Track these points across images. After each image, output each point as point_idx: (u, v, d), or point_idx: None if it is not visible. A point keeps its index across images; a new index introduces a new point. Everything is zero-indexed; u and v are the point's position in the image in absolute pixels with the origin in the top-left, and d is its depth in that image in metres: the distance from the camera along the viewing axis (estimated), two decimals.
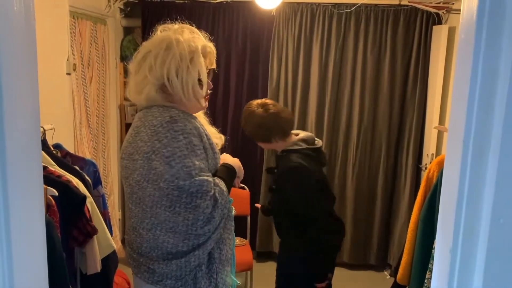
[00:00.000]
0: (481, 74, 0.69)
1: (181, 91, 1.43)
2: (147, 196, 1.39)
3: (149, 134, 1.38)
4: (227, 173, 1.53)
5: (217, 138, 1.61)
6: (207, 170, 1.43)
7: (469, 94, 0.70)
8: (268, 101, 2.16)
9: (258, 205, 2.51)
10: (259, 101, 2.16)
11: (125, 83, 3.83)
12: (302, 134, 2.21)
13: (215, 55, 1.54)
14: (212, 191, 1.40)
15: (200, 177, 1.37)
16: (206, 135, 1.47)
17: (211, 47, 1.51)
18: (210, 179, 1.41)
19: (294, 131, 2.21)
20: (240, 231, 3.54)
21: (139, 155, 1.39)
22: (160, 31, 1.51)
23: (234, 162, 1.61)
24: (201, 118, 1.60)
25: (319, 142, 2.22)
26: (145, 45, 1.50)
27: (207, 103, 1.55)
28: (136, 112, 1.55)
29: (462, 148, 0.72)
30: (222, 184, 1.45)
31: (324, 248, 2.15)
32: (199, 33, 1.52)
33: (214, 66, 1.54)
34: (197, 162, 1.38)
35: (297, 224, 2.14)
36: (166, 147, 1.36)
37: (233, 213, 1.60)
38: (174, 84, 1.42)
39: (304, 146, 2.14)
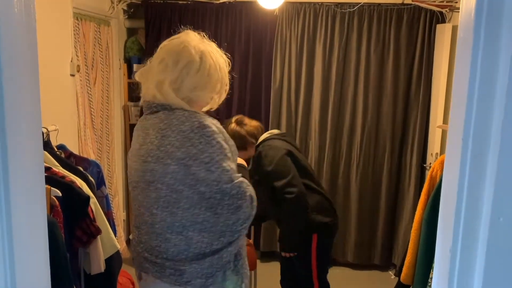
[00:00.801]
0: (480, 72, 0.69)
1: (222, 90, 1.56)
2: (184, 199, 1.40)
3: (181, 140, 1.39)
4: (245, 173, 1.60)
5: None
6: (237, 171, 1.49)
7: (468, 93, 0.70)
8: (236, 116, 2.51)
9: None
10: (232, 119, 2.50)
11: (129, 84, 3.85)
12: (266, 133, 2.52)
13: None
14: (248, 191, 1.45)
15: (238, 179, 1.43)
16: (226, 136, 1.50)
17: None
18: (244, 180, 1.46)
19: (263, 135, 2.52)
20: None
21: (172, 160, 1.38)
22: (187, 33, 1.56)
23: (243, 161, 1.68)
24: None
25: (283, 132, 2.64)
26: (197, 42, 1.52)
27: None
28: (141, 110, 1.56)
29: (462, 146, 0.72)
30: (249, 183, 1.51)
31: (314, 225, 2.37)
32: None
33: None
34: (231, 165, 1.44)
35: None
36: (203, 153, 1.38)
37: None
38: (221, 83, 1.55)
39: (270, 136, 2.47)
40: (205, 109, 1.61)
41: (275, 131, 2.56)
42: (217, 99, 1.59)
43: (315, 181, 2.48)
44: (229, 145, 1.47)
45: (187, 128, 1.40)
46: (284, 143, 2.44)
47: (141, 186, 1.48)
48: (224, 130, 1.50)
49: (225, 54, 1.59)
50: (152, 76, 1.52)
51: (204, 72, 1.48)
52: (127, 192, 4.00)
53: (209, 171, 1.38)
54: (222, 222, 1.42)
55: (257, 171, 2.41)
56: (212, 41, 1.58)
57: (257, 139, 2.47)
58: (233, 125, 2.42)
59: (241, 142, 2.35)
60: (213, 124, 1.45)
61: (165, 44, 1.57)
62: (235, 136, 2.26)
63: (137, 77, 1.60)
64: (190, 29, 1.59)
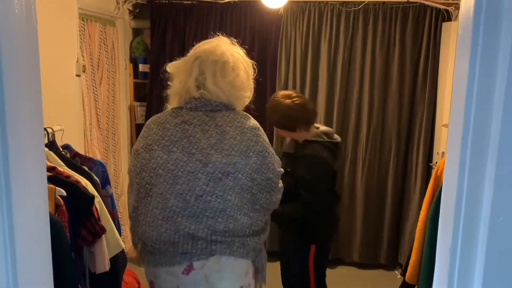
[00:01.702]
0: (479, 71, 0.68)
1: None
2: (255, 186, 1.63)
3: (255, 135, 1.64)
4: None
5: None
6: None
7: (467, 91, 0.70)
8: (293, 92, 2.29)
9: None
10: (285, 92, 2.31)
11: (135, 84, 3.87)
12: (323, 127, 2.37)
13: None
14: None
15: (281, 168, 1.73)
16: None
17: None
18: None
19: (315, 124, 2.35)
20: None
21: (254, 152, 1.62)
22: (219, 39, 1.73)
23: None
24: None
25: (338, 138, 2.38)
26: (229, 47, 1.69)
27: None
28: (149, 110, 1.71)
29: (461, 145, 0.72)
30: None
31: (314, 235, 2.33)
32: None
33: None
34: (277, 157, 1.73)
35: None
36: (270, 146, 1.69)
37: None
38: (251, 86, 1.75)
39: (326, 139, 2.30)
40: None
41: (327, 129, 2.36)
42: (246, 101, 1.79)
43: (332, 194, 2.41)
44: None
45: (254, 126, 1.67)
46: (330, 157, 2.28)
47: (204, 179, 1.57)
48: None
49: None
50: (188, 73, 1.66)
51: (239, 73, 1.67)
52: None
53: (275, 160, 1.68)
54: (275, 202, 1.72)
55: (294, 165, 2.24)
56: (242, 48, 1.75)
57: (309, 127, 2.27)
58: (289, 102, 2.21)
59: (292, 123, 2.22)
60: None
61: (200, 45, 1.71)
62: (288, 114, 2.20)
63: (169, 69, 1.73)
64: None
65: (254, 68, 1.75)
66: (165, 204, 1.56)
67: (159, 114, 1.70)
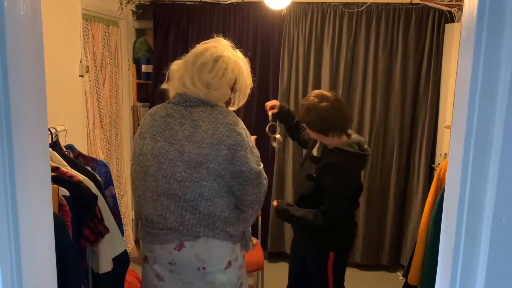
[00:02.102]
0: (482, 72, 0.69)
1: (241, 93, 1.89)
2: (228, 174, 1.75)
3: (228, 130, 1.74)
4: None
5: None
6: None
7: (470, 93, 0.70)
8: (331, 94, 2.18)
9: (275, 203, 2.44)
10: (323, 92, 2.18)
11: (137, 85, 3.88)
12: (355, 136, 2.23)
13: None
14: (264, 173, 1.84)
15: (262, 165, 1.85)
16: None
17: None
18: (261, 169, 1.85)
19: (348, 131, 2.24)
20: (251, 231, 3.55)
21: (225, 145, 1.73)
22: (216, 42, 1.89)
23: None
24: None
25: (367, 149, 2.23)
26: (215, 49, 1.83)
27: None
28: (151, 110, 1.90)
29: (464, 147, 0.72)
30: None
31: (333, 243, 2.23)
32: None
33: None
34: (257, 153, 1.84)
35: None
36: (245, 141, 1.77)
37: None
38: (240, 86, 1.87)
39: (357, 149, 2.15)
40: (231, 109, 1.92)
41: (359, 139, 2.22)
42: (237, 101, 1.92)
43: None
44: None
45: (231, 122, 1.77)
46: (359, 170, 2.21)
47: (182, 166, 1.74)
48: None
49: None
50: (181, 71, 1.84)
51: (217, 73, 1.78)
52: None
53: (250, 155, 1.77)
54: (252, 194, 1.81)
55: (320, 171, 2.15)
56: (241, 51, 1.92)
57: (342, 134, 2.17)
58: (326, 105, 2.11)
59: (326, 127, 2.11)
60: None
61: (196, 46, 1.89)
62: (324, 117, 2.10)
63: (172, 66, 1.90)
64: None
65: (248, 69, 1.92)
66: (156, 184, 1.77)
67: (154, 107, 1.90)
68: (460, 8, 3.26)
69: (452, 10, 3.36)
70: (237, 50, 1.90)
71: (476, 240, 0.72)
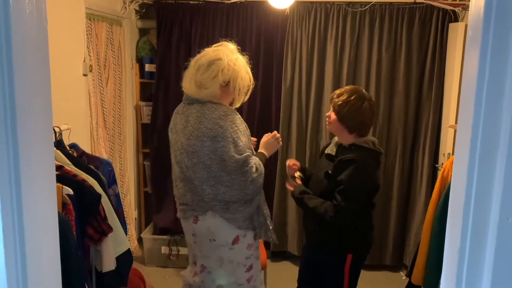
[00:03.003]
0: (489, 71, 0.68)
1: (236, 92, 2.09)
2: (215, 165, 1.99)
3: (212, 123, 1.98)
4: (261, 155, 2.17)
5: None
6: (248, 148, 2.07)
7: (476, 92, 0.69)
8: (365, 92, 2.20)
9: (298, 179, 2.37)
10: (361, 92, 2.19)
11: (141, 84, 3.88)
12: (369, 136, 2.25)
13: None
14: (253, 162, 2.03)
15: (246, 153, 2.01)
16: (245, 124, 2.12)
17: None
18: (251, 154, 2.06)
19: None
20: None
21: (207, 137, 1.97)
22: (219, 45, 2.15)
23: (266, 149, 2.23)
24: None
25: (380, 149, 2.25)
26: (213, 54, 2.07)
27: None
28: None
29: (470, 147, 0.72)
30: (258, 160, 2.08)
31: (350, 245, 2.22)
32: None
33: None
34: (241, 143, 2.02)
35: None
36: (226, 132, 1.97)
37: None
38: (235, 86, 2.07)
39: (373, 147, 2.18)
40: (234, 107, 2.17)
41: (373, 138, 2.26)
42: (236, 100, 2.16)
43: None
44: (247, 130, 2.12)
45: (216, 116, 2.00)
46: (377, 169, 2.23)
47: (184, 154, 2.06)
48: (243, 122, 2.11)
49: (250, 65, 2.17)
50: (186, 72, 2.15)
51: (210, 75, 2.03)
52: (139, 190, 4.04)
53: (231, 146, 1.97)
54: (237, 183, 2.00)
55: (336, 168, 2.14)
56: (246, 55, 2.17)
57: (366, 133, 2.20)
58: (366, 105, 2.14)
59: (361, 127, 2.14)
60: (236, 114, 2.07)
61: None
62: (364, 119, 2.13)
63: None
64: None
65: (249, 73, 2.15)
66: (176, 169, 2.16)
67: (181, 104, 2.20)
68: (464, 8, 3.25)
69: (456, 9, 3.35)
70: (239, 55, 2.12)
71: (482, 239, 0.72)
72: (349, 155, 2.11)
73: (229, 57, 2.05)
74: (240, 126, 2.07)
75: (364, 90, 2.22)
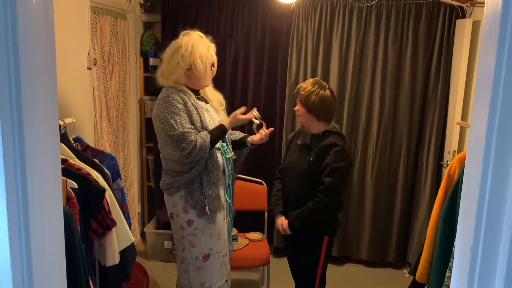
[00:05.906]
0: (506, 65, 0.66)
1: (202, 73, 2.27)
2: (161, 140, 2.30)
3: (157, 104, 2.26)
4: (218, 128, 2.32)
5: (216, 101, 2.50)
6: (189, 125, 2.22)
7: (492, 87, 0.68)
8: (323, 82, 2.40)
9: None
10: (320, 81, 2.39)
11: (145, 78, 3.87)
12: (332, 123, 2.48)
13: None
14: (191, 138, 2.19)
15: (182, 130, 2.18)
16: (193, 103, 2.28)
17: (214, 47, 2.39)
18: (191, 131, 2.21)
19: None
20: (257, 226, 3.54)
21: (155, 117, 2.25)
22: (183, 35, 2.34)
23: (229, 120, 2.39)
24: (207, 89, 2.46)
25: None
26: (175, 44, 2.30)
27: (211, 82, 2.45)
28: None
29: (485, 144, 0.70)
30: (204, 136, 2.23)
31: (328, 228, 2.42)
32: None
33: (215, 59, 2.39)
34: (179, 120, 2.20)
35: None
36: (163, 112, 2.21)
37: (229, 156, 2.42)
38: (198, 68, 2.25)
39: (339, 130, 2.43)
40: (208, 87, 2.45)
41: (334, 124, 2.48)
42: (202, 79, 2.32)
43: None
44: (195, 109, 2.28)
45: (160, 98, 2.27)
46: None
47: None
48: (192, 102, 2.28)
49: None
50: None
51: (174, 61, 2.26)
52: (142, 185, 4.03)
53: (163, 123, 2.20)
54: (177, 156, 2.23)
55: (316, 155, 2.31)
56: (212, 39, 2.42)
57: (328, 122, 2.39)
58: (328, 93, 2.34)
59: (326, 113, 2.34)
60: (179, 96, 2.25)
61: None
62: (329, 106, 2.33)
63: None
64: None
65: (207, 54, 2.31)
66: None
67: None
68: (473, 4, 3.21)
69: (464, 5, 3.32)
70: (199, 38, 2.33)
71: (495, 238, 0.70)
72: (327, 140, 2.32)
73: (187, 43, 2.25)
74: (180, 105, 2.22)
75: (322, 82, 2.40)
